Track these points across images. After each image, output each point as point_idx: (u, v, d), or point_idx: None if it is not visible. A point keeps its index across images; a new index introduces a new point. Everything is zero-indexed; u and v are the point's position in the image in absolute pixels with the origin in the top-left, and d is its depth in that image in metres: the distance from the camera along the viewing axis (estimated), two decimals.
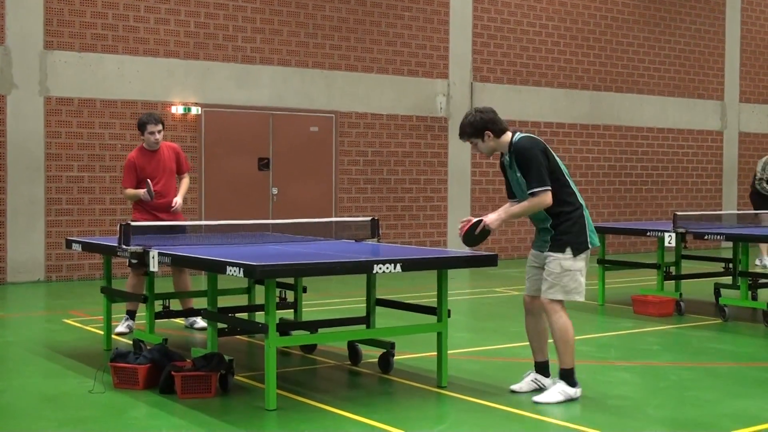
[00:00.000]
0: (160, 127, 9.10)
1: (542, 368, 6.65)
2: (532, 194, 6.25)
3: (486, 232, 6.37)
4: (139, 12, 13.89)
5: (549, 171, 6.29)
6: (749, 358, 8.21)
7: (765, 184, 14.96)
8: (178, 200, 9.15)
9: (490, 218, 6.36)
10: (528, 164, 6.25)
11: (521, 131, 6.52)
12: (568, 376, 6.37)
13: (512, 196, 6.57)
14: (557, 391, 6.34)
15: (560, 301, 6.33)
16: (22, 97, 13.10)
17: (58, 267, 13.41)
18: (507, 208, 6.46)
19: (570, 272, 6.30)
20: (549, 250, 6.37)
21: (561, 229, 6.34)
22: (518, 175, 6.37)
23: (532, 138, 6.40)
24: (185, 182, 9.42)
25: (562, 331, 6.31)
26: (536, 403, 6.27)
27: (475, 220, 6.39)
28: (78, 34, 13.44)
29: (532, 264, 6.59)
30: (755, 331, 9.51)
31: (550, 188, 6.25)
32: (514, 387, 6.60)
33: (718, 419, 6.03)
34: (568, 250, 6.31)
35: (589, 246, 6.39)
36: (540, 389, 6.57)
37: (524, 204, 6.33)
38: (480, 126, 6.38)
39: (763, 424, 5.88)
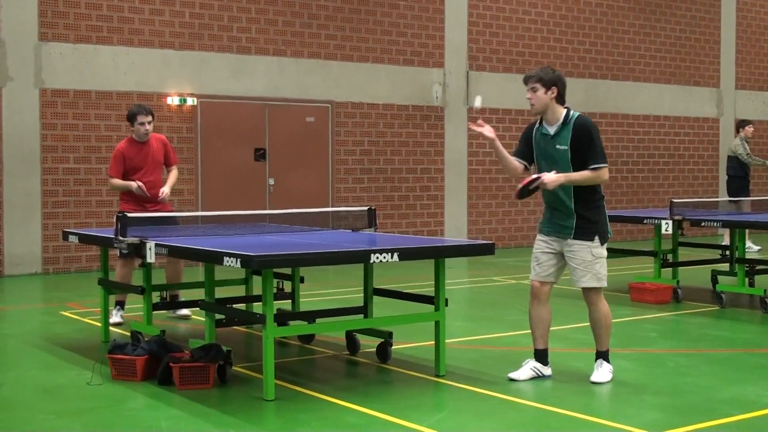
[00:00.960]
0: (150, 117, 9.12)
1: (542, 356, 6.66)
2: (595, 169, 6.33)
3: (537, 189, 6.44)
4: (134, 3, 13.85)
5: None
6: (746, 345, 8.23)
7: (752, 158, 15.32)
8: (165, 190, 9.17)
9: (549, 177, 6.35)
10: (591, 140, 6.35)
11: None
12: (607, 356, 6.63)
13: (523, 165, 6.62)
14: (608, 370, 6.58)
15: (599, 288, 6.51)
16: (17, 89, 13.07)
17: (55, 259, 13.40)
18: (567, 174, 6.40)
19: (601, 259, 6.47)
20: (575, 238, 6.44)
21: (589, 216, 6.44)
22: (564, 148, 6.38)
23: (590, 119, 6.55)
24: (174, 174, 9.44)
25: (607, 317, 6.56)
26: (594, 382, 6.50)
27: (534, 176, 6.41)
28: (73, 25, 13.41)
29: (545, 250, 6.59)
30: (752, 318, 9.53)
31: (607, 166, 6.42)
32: (513, 375, 6.61)
33: (715, 405, 6.04)
34: (597, 239, 6.46)
35: (610, 235, 6.61)
36: (539, 377, 6.59)
37: (586, 174, 6.35)
38: (552, 78, 6.45)
39: (760, 410, 5.89)
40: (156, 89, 14.03)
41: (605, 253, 6.53)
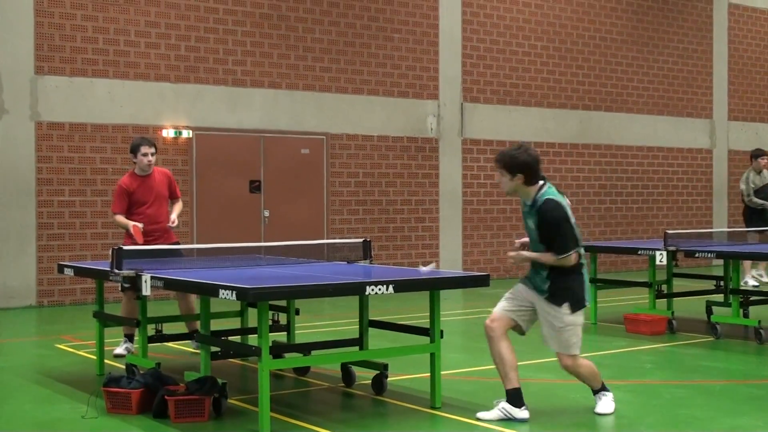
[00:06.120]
0: (153, 149, 9.12)
1: (513, 397, 6.35)
2: (558, 258, 6.20)
3: None
4: (130, 36, 13.92)
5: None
6: (742, 376, 8.23)
7: (753, 198, 14.91)
8: (173, 217, 9.20)
9: (514, 254, 6.42)
10: (557, 229, 6.18)
11: (550, 184, 6.34)
12: (605, 387, 6.59)
13: None
14: (610, 399, 6.53)
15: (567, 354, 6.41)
16: (12, 122, 13.11)
17: (50, 292, 13.38)
18: (533, 254, 6.35)
19: (571, 327, 6.30)
20: (548, 300, 6.31)
21: (563, 282, 6.29)
22: (533, 227, 6.29)
23: (558, 203, 6.24)
24: (179, 204, 9.47)
25: (586, 369, 6.47)
26: (599, 414, 6.46)
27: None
28: (68, 58, 13.47)
29: (522, 292, 6.47)
30: (747, 349, 9.53)
31: (573, 252, 6.22)
32: (480, 415, 6.37)
33: None
34: (566, 306, 6.28)
35: (586, 304, 6.41)
36: (508, 419, 6.28)
37: (551, 259, 6.22)
38: (517, 165, 6.22)
39: None
40: (151, 122, 14.07)
41: (579, 320, 6.32)
